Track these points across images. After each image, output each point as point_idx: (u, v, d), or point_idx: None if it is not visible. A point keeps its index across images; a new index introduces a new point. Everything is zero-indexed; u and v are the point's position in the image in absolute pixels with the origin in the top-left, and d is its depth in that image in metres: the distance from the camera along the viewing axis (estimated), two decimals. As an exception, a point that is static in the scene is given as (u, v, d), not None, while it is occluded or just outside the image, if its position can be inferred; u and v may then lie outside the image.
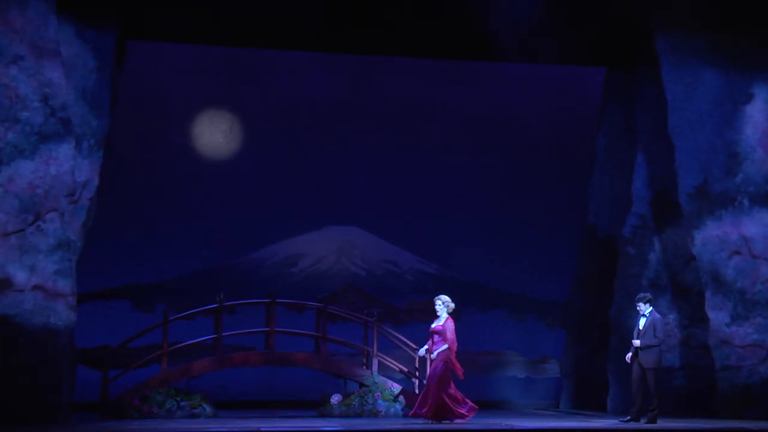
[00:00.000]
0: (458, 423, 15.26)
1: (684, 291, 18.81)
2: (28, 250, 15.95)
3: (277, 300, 17.92)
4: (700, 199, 18.03)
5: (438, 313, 15.58)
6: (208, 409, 17.15)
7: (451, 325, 15.47)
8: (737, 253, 17.85)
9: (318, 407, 18.12)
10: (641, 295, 16.41)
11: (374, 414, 17.61)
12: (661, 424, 15.90)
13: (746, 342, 17.60)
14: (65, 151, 16.37)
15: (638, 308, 16.17)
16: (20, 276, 15.86)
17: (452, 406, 15.26)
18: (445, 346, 15.30)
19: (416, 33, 19.99)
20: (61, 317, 16.00)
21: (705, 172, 18.07)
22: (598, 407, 19.06)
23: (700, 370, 18.33)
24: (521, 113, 24.12)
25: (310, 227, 24.20)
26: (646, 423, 15.84)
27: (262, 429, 14.60)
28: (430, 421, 15.26)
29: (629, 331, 18.86)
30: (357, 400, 17.83)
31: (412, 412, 15.57)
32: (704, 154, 18.11)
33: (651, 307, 16.17)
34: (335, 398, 17.84)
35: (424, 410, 15.20)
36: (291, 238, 24.18)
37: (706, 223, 17.95)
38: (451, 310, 15.61)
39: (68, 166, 16.37)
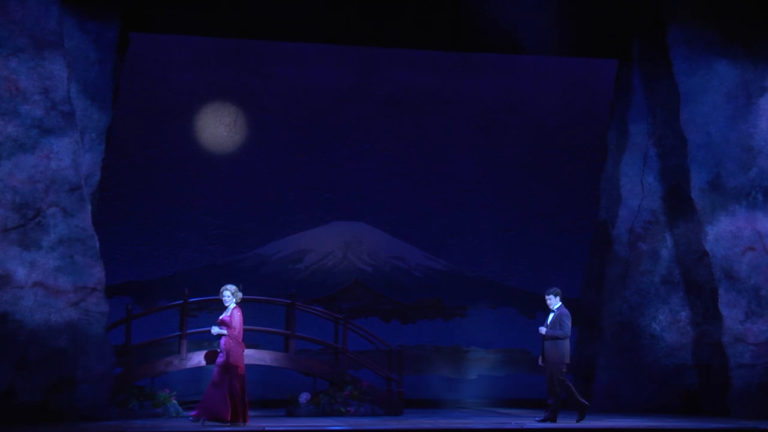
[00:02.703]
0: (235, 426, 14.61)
1: (697, 288, 18.58)
2: (28, 246, 15.76)
3: (245, 296, 17.51)
4: (713, 193, 17.72)
5: (225, 304, 14.96)
6: (173, 408, 16.74)
7: (237, 315, 14.91)
8: (751, 249, 17.53)
9: (287, 406, 17.79)
10: (551, 289, 16.03)
11: (343, 413, 17.28)
12: (673, 423, 15.57)
13: (760, 339, 17.27)
14: (66, 145, 16.17)
15: (548, 302, 15.83)
16: (20, 272, 15.69)
17: (238, 403, 14.69)
18: (224, 330, 14.70)
19: (425, 24, 19.80)
20: (62, 314, 15.78)
21: (718, 167, 17.76)
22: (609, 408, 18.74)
23: (713, 368, 18.09)
24: (531, 107, 23.87)
25: (316, 222, 23.95)
26: (543, 421, 15.43)
27: (266, 428, 14.36)
28: (228, 424, 14.57)
29: (641, 328, 18.72)
30: (326, 398, 17.50)
31: (197, 414, 14.67)
32: (718, 148, 17.81)
33: (560, 302, 15.82)
34: (303, 397, 17.54)
35: (215, 412, 14.52)
36: (297, 233, 23.92)
37: (720, 218, 17.64)
38: (239, 300, 15.09)
39: (69, 160, 16.17)
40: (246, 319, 14.87)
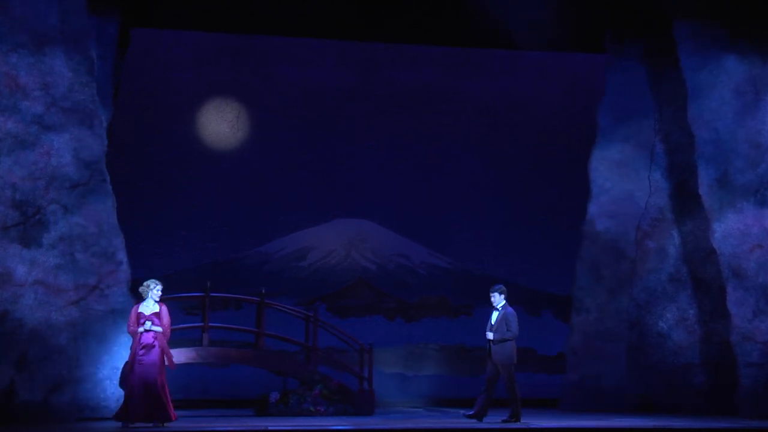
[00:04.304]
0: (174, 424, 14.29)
1: (705, 285, 18.42)
2: (28, 244, 15.66)
3: (212, 294, 17.25)
4: (721, 190, 17.54)
5: (155, 299, 14.52)
6: None
7: (166, 310, 14.55)
8: (759, 246, 17.34)
9: (256, 406, 17.63)
10: (496, 286, 15.61)
11: (313, 413, 17.09)
12: (681, 422, 15.40)
13: (769, 338, 17.09)
14: (67, 141, 16.10)
15: (492, 299, 15.43)
16: (20, 270, 15.59)
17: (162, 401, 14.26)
18: (159, 328, 14.32)
19: (426, 20, 19.75)
20: (63, 313, 15.63)
21: (726, 163, 17.59)
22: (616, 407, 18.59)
23: (721, 366, 17.93)
24: (535, 102, 23.71)
25: (318, 220, 23.75)
26: (507, 421, 15.12)
27: (269, 428, 14.20)
28: (162, 425, 14.18)
29: (648, 327, 18.56)
30: (295, 398, 17.32)
31: (134, 418, 14.11)
32: (725, 145, 17.63)
33: (504, 300, 15.45)
34: (273, 396, 17.37)
35: (162, 414, 14.13)
36: (299, 231, 23.73)
37: (727, 215, 17.46)
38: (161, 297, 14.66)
39: (70, 156, 16.09)
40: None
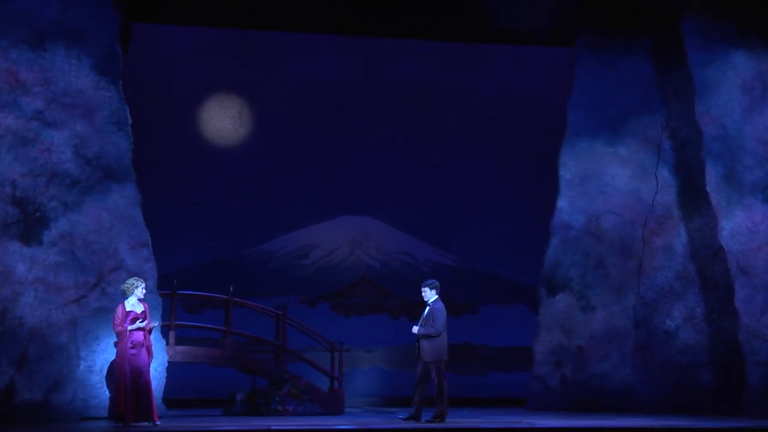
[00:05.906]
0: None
1: (712, 283, 18.26)
2: (28, 241, 15.56)
3: (178, 291, 17.03)
4: (728, 187, 17.43)
5: (138, 298, 14.28)
6: None
7: (149, 308, 14.42)
8: (767, 244, 17.15)
9: (224, 405, 17.46)
10: (428, 281, 15.34)
11: (281, 412, 16.92)
12: (687, 422, 15.24)
13: (777, 337, 16.95)
14: (67, 138, 16.03)
15: (423, 294, 15.15)
16: (20, 268, 15.49)
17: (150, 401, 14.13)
18: (147, 324, 14.15)
19: (427, 16, 19.66)
20: (63, 311, 15.49)
21: (734, 160, 17.49)
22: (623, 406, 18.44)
23: (729, 365, 17.76)
24: (540, 99, 23.55)
25: (322, 217, 23.66)
26: (431, 422, 14.77)
27: (272, 428, 14.04)
28: (149, 424, 13.94)
29: (655, 325, 18.41)
30: (262, 397, 17.16)
31: (128, 418, 13.88)
32: (733, 141, 17.54)
33: (437, 296, 15.15)
34: (240, 396, 17.21)
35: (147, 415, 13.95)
36: (302, 228, 23.64)
37: (735, 212, 17.34)
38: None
39: (70, 153, 16.02)
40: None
